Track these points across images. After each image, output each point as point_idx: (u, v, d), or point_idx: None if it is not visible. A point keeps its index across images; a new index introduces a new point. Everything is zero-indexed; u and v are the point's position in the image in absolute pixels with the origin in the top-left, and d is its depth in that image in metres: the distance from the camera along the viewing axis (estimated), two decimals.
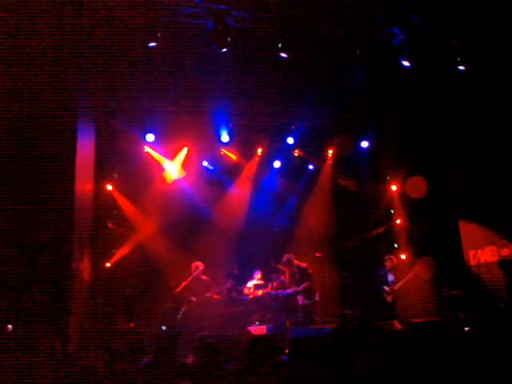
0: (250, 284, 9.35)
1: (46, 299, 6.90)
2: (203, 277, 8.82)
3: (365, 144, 10.63)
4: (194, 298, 8.60)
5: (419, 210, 9.92)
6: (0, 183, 7.14)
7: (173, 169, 10.14)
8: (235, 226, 10.16)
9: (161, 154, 10.03)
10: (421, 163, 9.72)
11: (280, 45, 7.59)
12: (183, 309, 8.50)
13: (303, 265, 8.78)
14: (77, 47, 7.17)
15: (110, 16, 6.81)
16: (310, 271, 8.76)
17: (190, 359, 4.22)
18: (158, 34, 7.20)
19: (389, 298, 8.78)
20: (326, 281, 9.27)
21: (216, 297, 8.95)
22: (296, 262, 8.79)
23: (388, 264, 9.02)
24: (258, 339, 3.82)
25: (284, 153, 10.89)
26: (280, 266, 9.00)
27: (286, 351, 3.72)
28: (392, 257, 9.16)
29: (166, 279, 9.15)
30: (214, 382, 3.46)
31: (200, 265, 8.88)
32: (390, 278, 8.93)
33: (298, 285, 8.65)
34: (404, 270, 9.10)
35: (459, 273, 9.28)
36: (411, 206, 10.16)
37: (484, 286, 9.01)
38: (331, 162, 11.04)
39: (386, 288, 8.82)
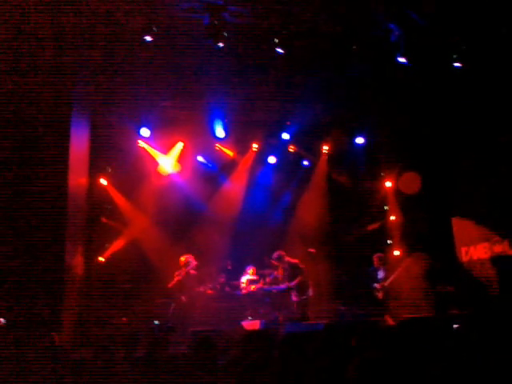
0: (244, 279, 9.37)
1: (39, 293, 6.88)
2: (192, 271, 8.74)
3: (360, 140, 10.65)
4: (184, 297, 8.53)
5: (413, 207, 9.96)
6: None
7: (167, 163, 10.12)
8: (229, 221, 10.16)
9: (156, 148, 10.01)
10: (415, 160, 9.75)
11: (276, 40, 7.56)
12: (173, 304, 8.48)
13: (294, 261, 8.80)
14: (72, 41, 7.12)
15: (107, 10, 6.76)
16: (302, 266, 8.77)
17: (182, 353, 4.22)
18: (154, 28, 7.16)
19: (380, 295, 8.82)
20: (319, 277, 9.30)
21: (209, 292, 8.95)
22: (287, 258, 8.80)
23: (376, 262, 9.05)
24: (251, 334, 3.83)
25: (279, 148, 10.89)
26: (273, 262, 9.02)
27: (279, 346, 3.74)
28: (380, 254, 9.19)
29: (160, 274, 9.14)
30: (206, 376, 3.47)
31: (192, 259, 8.80)
32: (381, 274, 8.95)
33: (291, 280, 8.67)
34: (397, 266, 9.14)
35: (452, 269, 9.34)
36: (405, 202, 10.20)
37: (476, 282, 9.07)
38: (326, 157, 11.06)
39: (377, 285, 8.86)
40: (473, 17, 7.08)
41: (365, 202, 10.76)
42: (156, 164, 10.07)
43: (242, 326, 7.91)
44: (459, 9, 6.97)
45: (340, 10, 7.32)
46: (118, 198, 9.80)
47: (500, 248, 8.80)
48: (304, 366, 3.13)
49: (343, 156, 10.96)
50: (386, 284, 8.79)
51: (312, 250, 9.31)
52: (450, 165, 9.48)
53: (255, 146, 10.77)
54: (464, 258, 9.45)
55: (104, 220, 9.47)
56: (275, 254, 8.80)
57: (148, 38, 7.23)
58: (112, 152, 9.35)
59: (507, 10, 6.83)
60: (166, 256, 9.19)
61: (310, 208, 10.50)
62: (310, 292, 8.67)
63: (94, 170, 9.09)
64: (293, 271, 8.67)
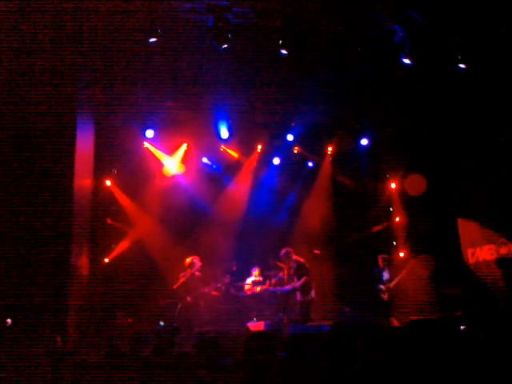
0: (249, 280, 9.37)
1: (44, 294, 6.90)
2: (197, 273, 8.73)
3: (364, 141, 10.63)
4: (189, 298, 8.53)
5: (418, 208, 9.92)
6: None
7: (172, 164, 10.14)
8: (234, 223, 10.17)
9: (160, 149, 10.03)
10: (420, 161, 9.72)
11: (280, 41, 7.57)
12: (179, 305, 8.48)
13: (301, 259, 8.79)
14: (76, 43, 7.16)
15: (111, 12, 6.79)
16: (307, 265, 8.76)
17: (188, 354, 4.23)
18: (159, 30, 7.18)
19: (385, 297, 8.79)
20: (323, 278, 9.28)
21: (214, 293, 8.95)
22: (294, 256, 8.80)
23: (381, 263, 9.03)
24: (256, 335, 3.83)
25: (284, 150, 10.90)
26: (279, 263, 9.01)
27: (284, 347, 3.74)
28: (385, 255, 9.16)
29: (165, 275, 9.16)
30: (212, 376, 3.47)
31: (197, 260, 8.80)
32: (386, 276, 8.93)
33: (297, 279, 8.63)
34: (402, 267, 9.11)
35: (457, 271, 9.30)
36: (410, 203, 10.17)
37: (482, 284, 9.02)
38: (331, 159, 11.06)
39: (382, 287, 8.84)
40: (473, 17, 7.06)
41: (369, 203, 10.74)
42: (161, 165, 10.09)
43: (246, 327, 7.90)
44: (459, 9, 6.96)
45: (343, 11, 7.32)
46: (123, 200, 9.84)
47: (506, 250, 8.75)
48: (308, 366, 3.13)
49: (348, 157, 10.94)
50: (391, 285, 8.77)
51: (317, 252, 9.30)
52: (452, 165, 9.45)
53: (260, 147, 10.78)
54: (470, 260, 9.39)
55: (109, 221, 9.51)
56: (283, 251, 8.79)
57: (152, 40, 7.25)
58: (117, 153, 9.38)
59: (507, 10, 6.81)
60: (171, 257, 9.21)
61: (315, 209, 10.49)
62: (313, 294, 8.62)
63: (99, 171, 9.12)
64: (299, 270, 8.64)
